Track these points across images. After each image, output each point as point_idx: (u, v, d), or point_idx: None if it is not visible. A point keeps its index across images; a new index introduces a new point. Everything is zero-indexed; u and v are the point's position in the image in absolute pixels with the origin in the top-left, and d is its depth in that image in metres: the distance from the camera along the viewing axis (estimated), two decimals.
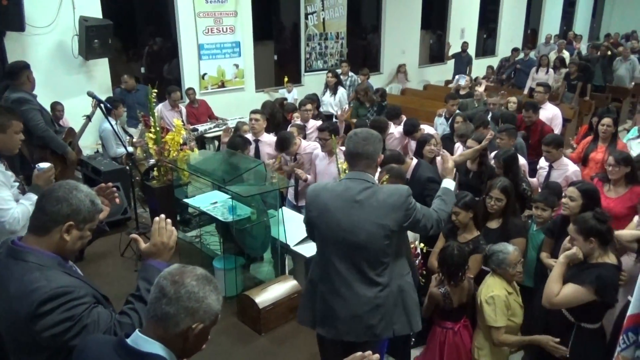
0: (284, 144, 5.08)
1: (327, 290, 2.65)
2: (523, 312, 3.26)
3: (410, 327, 2.67)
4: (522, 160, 4.94)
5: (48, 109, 5.52)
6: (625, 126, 8.71)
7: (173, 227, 1.98)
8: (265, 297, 3.88)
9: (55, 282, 1.76)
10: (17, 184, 2.97)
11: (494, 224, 3.80)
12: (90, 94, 4.25)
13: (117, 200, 2.39)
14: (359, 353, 1.36)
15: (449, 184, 2.87)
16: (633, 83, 11.47)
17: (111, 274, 4.21)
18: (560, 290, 2.83)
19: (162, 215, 1.97)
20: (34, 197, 2.86)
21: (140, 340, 1.47)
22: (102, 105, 4.42)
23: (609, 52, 11.98)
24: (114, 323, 1.79)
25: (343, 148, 3.50)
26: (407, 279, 2.68)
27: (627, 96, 11.19)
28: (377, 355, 1.34)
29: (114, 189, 2.42)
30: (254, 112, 5.62)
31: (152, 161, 5.03)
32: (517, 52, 12.84)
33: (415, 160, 4.42)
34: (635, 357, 1.94)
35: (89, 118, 5.68)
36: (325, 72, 9.26)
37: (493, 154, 4.97)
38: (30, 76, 4.58)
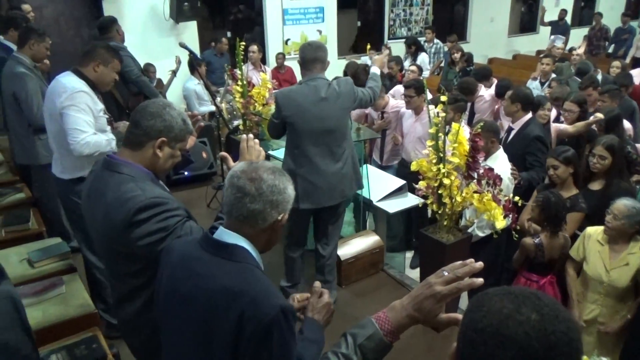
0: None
1: (306, 172, 3.19)
2: (605, 273, 3.04)
3: (359, 183, 3.45)
4: (627, 124, 4.56)
5: None
6: None
7: (261, 147, 1.94)
8: (347, 250, 3.86)
9: (150, 192, 1.79)
10: (105, 116, 3.08)
11: (596, 185, 3.52)
12: (182, 45, 4.34)
13: (204, 154, 2.40)
14: (459, 262, 1.28)
15: (375, 69, 3.63)
16: None
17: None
18: None
19: (250, 135, 1.95)
20: (113, 141, 3.00)
21: (224, 234, 1.47)
22: (191, 55, 4.51)
23: None
24: None
25: (432, 107, 3.40)
26: (352, 144, 3.38)
27: None
28: (480, 263, 1.26)
29: (199, 117, 2.47)
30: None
31: (236, 122, 5.11)
32: (601, 16, 11.78)
33: (528, 116, 4.17)
34: None
35: (174, 73, 5.85)
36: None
37: (592, 117, 4.62)
38: (120, 30, 4.77)
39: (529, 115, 4.20)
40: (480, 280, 1.24)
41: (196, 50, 8.06)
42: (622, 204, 2.96)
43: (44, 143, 3.95)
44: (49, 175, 3.98)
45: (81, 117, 2.83)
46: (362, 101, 3.39)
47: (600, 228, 3.08)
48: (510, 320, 0.87)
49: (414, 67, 6.33)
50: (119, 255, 1.86)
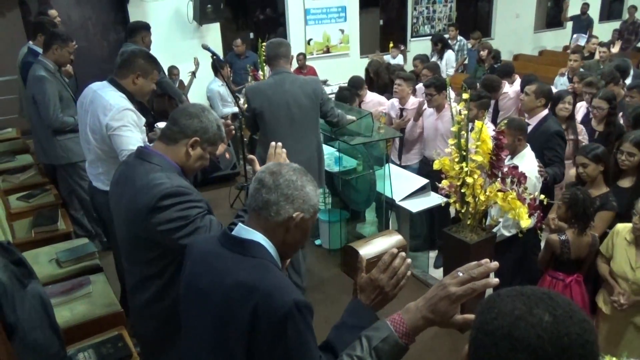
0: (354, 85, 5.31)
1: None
2: (630, 271, 2.95)
3: (320, 182, 3.65)
4: None
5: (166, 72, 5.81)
6: None
7: (285, 156, 2.01)
8: (369, 249, 3.79)
9: (176, 181, 1.88)
10: (144, 128, 3.11)
11: (626, 183, 3.43)
12: (205, 47, 4.39)
13: (228, 155, 2.45)
14: (474, 262, 1.26)
15: (349, 119, 3.80)
16: None
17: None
18: None
19: (280, 143, 2.03)
20: None
21: (242, 230, 1.49)
22: (214, 57, 4.55)
23: None
24: None
25: (455, 104, 3.37)
26: (320, 143, 3.63)
27: None
28: (495, 263, 1.24)
29: (232, 127, 2.56)
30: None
31: None
32: (635, 9, 11.48)
33: (545, 111, 4.11)
34: None
35: (193, 74, 5.90)
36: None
37: (621, 113, 4.51)
38: (146, 38, 4.68)
39: (546, 111, 4.15)
40: (496, 280, 1.22)
41: (219, 52, 8.14)
42: None
43: (62, 144, 4.06)
44: (71, 175, 4.06)
45: (132, 137, 2.81)
46: (331, 108, 3.59)
47: (629, 225, 3.00)
48: (522, 321, 0.85)
49: (425, 71, 6.00)
50: (138, 240, 1.93)
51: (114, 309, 2.82)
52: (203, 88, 6.65)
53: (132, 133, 2.82)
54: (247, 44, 8.38)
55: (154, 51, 4.96)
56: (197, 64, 6.58)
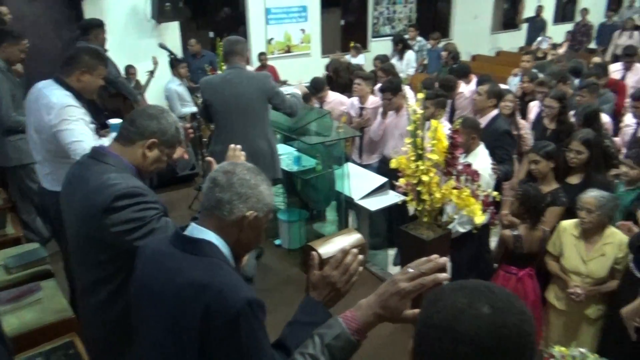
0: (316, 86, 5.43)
1: (222, 149, 3.64)
2: (582, 265, 3.07)
3: (275, 172, 3.74)
4: (606, 118, 4.60)
5: (122, 71, 5.69)
6: None
7: (244, 158, 2.03)
8: (329, 248, 3.82)
9: (131, 182, 1.85)
10: (93, 126, 3.04)
11: (575, 179, 3.55)
12: (161, 46, 4.32)
13: (186, 155, 2.43)
14: (424, 259, 1.29)
15: (297, 91, 4.11)
16: None
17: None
18: None
19: (239, 146, 2.05)
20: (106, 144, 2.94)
21: (194, 230, 1.48)
22: (172, 57, 4.47)
23: None
24: None
25: (411, 103, 3.43)
26: (270, 134, 3.74)
27: None
28: (444, 259, 1.27)
29: (191, 130, 2.55)
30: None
31: None
32: (587, 12, 11.94)
33: (495, 111, 4.24)
34: None
35: (151, 73, 5.80)
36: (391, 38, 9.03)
37: (572, 112, 4.67)
38: (99, 36, 4.57)
39: (497, 110, 4.30)
40: (444, 275, 1.24)
41: (178, 51, 8.01)
42: (591, 196, 2.99)
43: (14, 145, 3.92)
44: (22, 178, 3.92)
45: (76, 129, 2.74)
46: (282, 101, 3.63)
47: (574, 221, 3.11)
48: (464, 315, 0.87)
49: (380, 72, 6.07)
50: (90, 241, 1.89)
51: (65, 315, 2.73)
52: (161, 88, 6.55)
53: (75, 125, 2.75)
54: (207, 44, 8.28)
55: (110, 50, 4.86)
56: (155, 63, 6.47)
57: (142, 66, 7.07)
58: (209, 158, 2.16)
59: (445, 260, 1.26)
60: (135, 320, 1.58)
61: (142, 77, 6.92)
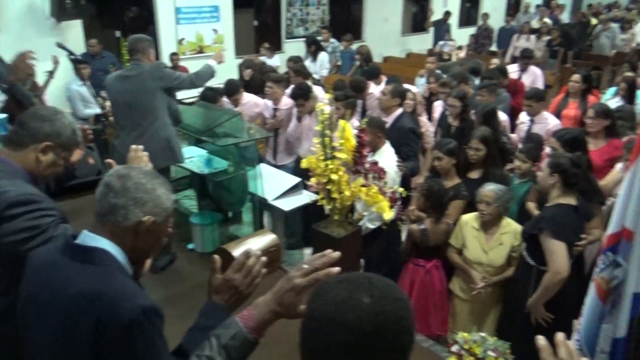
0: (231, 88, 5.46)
1: (119, 143, 3.61)
2: (484, 255, 3.26)
3: (175, 158, 3.86)
4: (503, 116, 4.92)
5: None
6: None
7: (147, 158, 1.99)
8: (243, 250, 3.81)
9: (23, 189, 1.75)
10: None
11: (475, 174, 3.78)
12: (59, 45, 4.09)
13: (91, 160, 2.34)
14: (318, 254, 1.34)
15: (212, 62, 4.12)
16: (614, 51, 11.49)
17: None
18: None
19: (141, 147, 2.00)
20: None
21: (86, 238, 1.41)
22: (71, 57, 4.25)
23: (593, 21, 11.99)
24: None
25: (319, 104, 3.48)
26: (164, 123, 3.75)
27: (608, 64, 11.21)
28: (337, 253, 1.32)
29: (90, 131, 2.42)
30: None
31: None
32: (487, 16, 12.75)
33: (400, 110, 4.39)
34: (614, 277, 1.92)
35: (51, 74, 5.50)
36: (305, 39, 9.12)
37: (473, 111, 4.94)
38: None
39: (401, 109, 4.49)
40: (337, 269, 1.28)
41: (81, 51, 7.62)
42: (489, 189, 3.19)
43: None
44: None
45: None
46: (180, 82, 3.75)
47: (474, 215, 3.30)
48: (345, 306, 0.90)
49: (291, 73, 6.19)
50: None
51: None
52: (62, 89, 6.20)
53: None
54: (113, 44, 7.93)
55: (4, 49, 4.53)
56: (55, 62, 6.09)
57: (41, 67, 6.64)
58: (109, 160, 2.08)
59: (338, 254, 1.30)
60: (22, 336, 1.48)
61: (41, 78, 6.51)
